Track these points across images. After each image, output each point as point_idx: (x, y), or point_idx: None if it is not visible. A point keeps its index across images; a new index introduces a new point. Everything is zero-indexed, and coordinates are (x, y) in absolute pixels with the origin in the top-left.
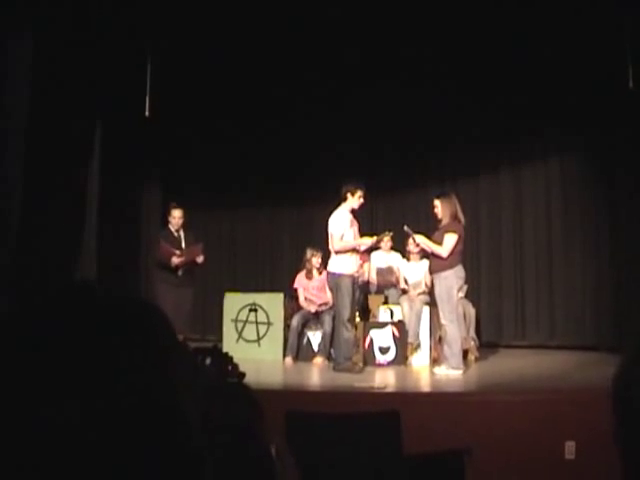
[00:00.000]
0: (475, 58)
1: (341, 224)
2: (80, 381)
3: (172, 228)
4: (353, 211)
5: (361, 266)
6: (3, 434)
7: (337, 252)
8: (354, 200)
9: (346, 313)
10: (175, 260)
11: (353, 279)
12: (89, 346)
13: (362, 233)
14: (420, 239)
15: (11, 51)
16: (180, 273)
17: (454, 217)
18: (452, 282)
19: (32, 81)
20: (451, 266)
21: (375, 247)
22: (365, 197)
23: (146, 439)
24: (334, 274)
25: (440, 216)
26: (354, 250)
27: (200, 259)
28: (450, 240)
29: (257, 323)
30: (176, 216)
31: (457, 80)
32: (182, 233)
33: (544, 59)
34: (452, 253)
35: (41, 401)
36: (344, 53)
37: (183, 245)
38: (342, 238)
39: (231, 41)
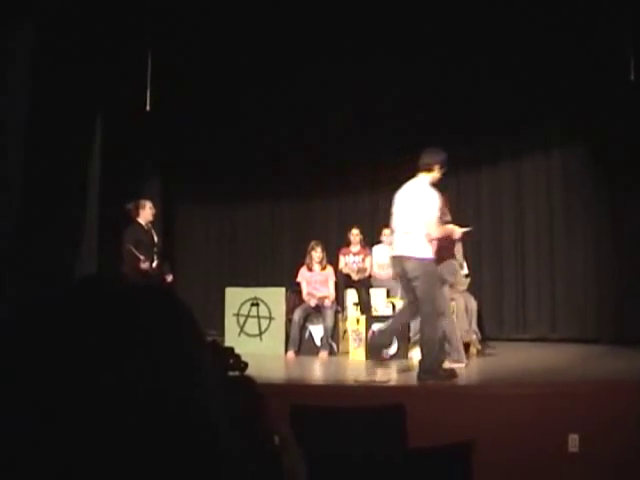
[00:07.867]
0: (477, 48)
1: (436, 204)
2: (106, 377)
3: (142, 222)
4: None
5: (363, 260)
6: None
7: (434, 239)
8: (437, 175)
9: (436, 305)
10: (143, 266)
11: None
12: (113, 340)
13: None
14: None
15: (11, 45)
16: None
17: None
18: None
19: (33, 74)
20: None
21: (377, 241)
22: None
23: (172, 439)
24: (422, 259)
25: None
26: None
27: (169, 278)
28: None
29: (259, 317)
30: (148, 207)
31: (459, 70)
32: (152, 228)
33: (545, 50)
34: None
35: (61, 399)
36: (352, 38)
37: (155, 239)
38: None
39: (231, 32)
